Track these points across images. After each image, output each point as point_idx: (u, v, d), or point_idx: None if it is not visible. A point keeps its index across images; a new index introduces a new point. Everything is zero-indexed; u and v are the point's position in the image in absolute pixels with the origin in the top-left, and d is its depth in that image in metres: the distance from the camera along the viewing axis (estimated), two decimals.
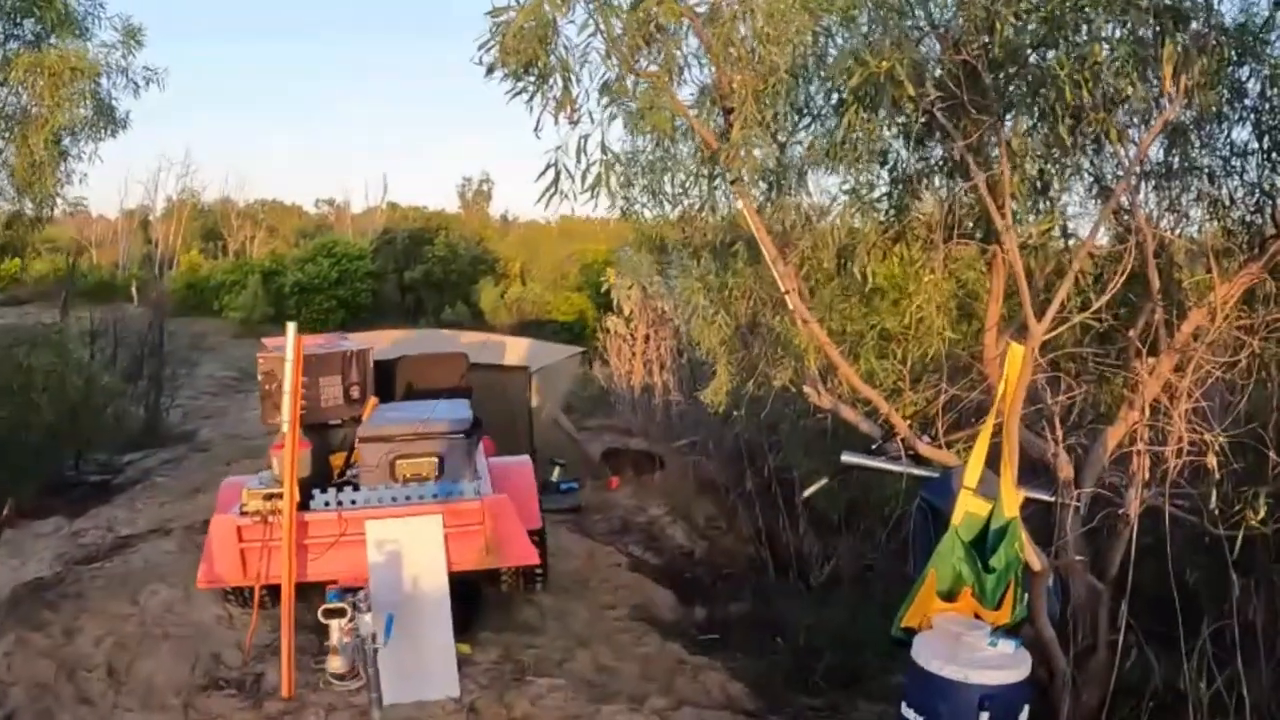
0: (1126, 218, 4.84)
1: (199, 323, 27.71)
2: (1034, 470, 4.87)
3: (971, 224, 4.61)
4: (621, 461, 10.43)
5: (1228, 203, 4.83)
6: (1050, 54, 3.69)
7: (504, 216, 42.51)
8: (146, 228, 39.35)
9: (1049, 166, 3.95)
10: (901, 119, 3.95)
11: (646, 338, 13.32)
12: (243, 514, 5.35)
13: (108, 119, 10.59)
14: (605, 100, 4.46)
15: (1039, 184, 4.28)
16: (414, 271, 31.04)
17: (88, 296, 27.97)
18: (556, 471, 9.41)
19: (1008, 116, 4.01)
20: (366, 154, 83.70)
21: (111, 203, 63.11)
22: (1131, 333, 4.65)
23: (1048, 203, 4.25)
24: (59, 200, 11.19)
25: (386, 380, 7.00)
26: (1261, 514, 3.98)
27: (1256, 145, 4.65)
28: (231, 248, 40.69)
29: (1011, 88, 3.89)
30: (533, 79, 4.46)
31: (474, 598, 6.33)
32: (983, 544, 3.99)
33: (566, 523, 8.64)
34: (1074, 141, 3.67)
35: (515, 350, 9.83)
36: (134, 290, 29.34)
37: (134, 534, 8.36)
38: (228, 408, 16.26)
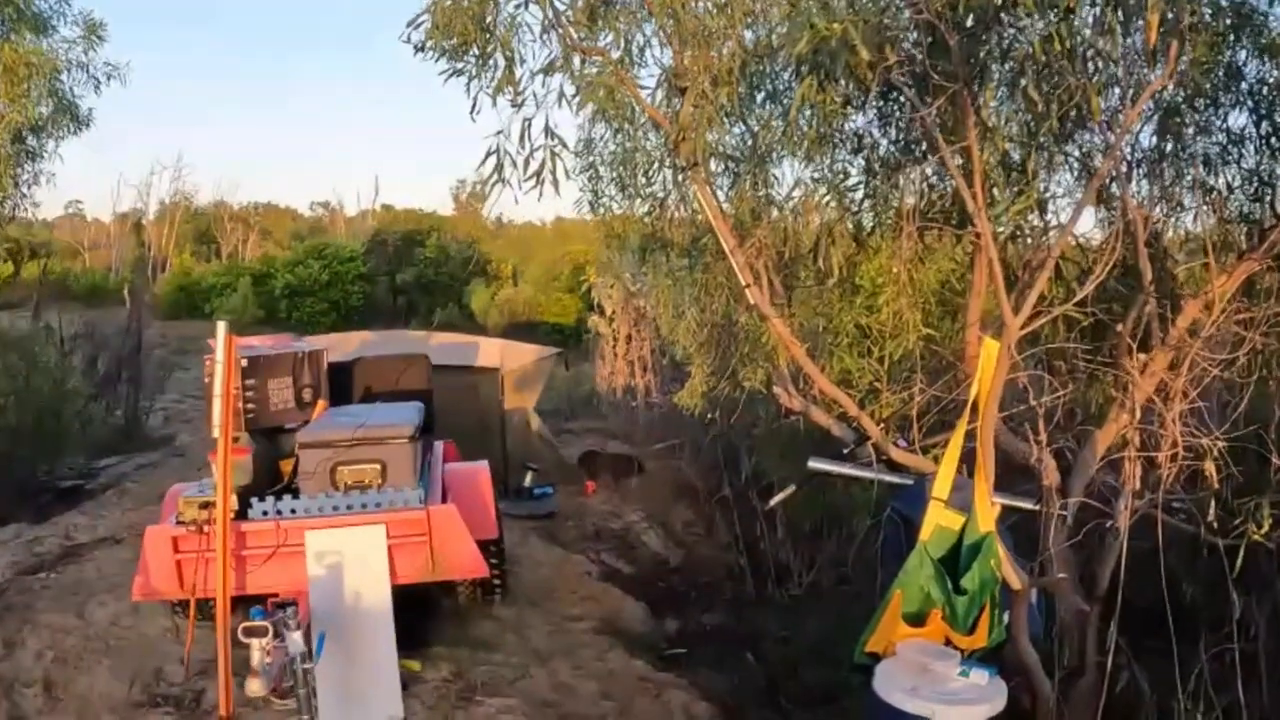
0: (1116, 206, 4.56)
1: (190, 325, 27.46)
2: (1026, 473, 4.55)
3: (946, 210, 4.29)
4: (598, 465, 10.15)
5: (1225, 191, 4.52)
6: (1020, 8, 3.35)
7: (498, 218, 42.37)
8: (140, 231, 39.26)
9: (1027, 142, 3.60)
10: (860, 93, 3.61)
11: (628, 338, 13.04)
12: (179, 523, 5.03)
13: (70, 116, 10.32)
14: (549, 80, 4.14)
15: (1017, 164, 3.95)
16: (405, 273, 30.91)
17: (79, 300, 27.85)
18: (530, 476, 9.12)
19: (979, 87, 3.67)
20: (362, 157, 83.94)
21: (106, 206, 63.15)
22: (1121, 327, 4.30)
23: (1026, 182, 3.90)
24: (25, 201, 10.95)
25: (343, 383, 6.67)
26: (1266, 526, 3.64)
27: (1254, 130, 4.36)
28: (224, 250, 40.59)
29: (981, 52, 3.56)
30: (472, 59, 4.16)
31: (427, 610, 6.00)
32: (954, 561, 3.65)
33: (538, 529, 8.36)
34: (1049, 109, 3.33)
35: (487, 351, 9.52)
36: (126, 293, 29.19)
37: (90, 542, 8.08)
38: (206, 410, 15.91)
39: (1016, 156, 4.09)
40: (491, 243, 36.40)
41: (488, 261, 32.98)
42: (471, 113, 4.10)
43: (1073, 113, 3.81)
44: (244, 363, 5.64)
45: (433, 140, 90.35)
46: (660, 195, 5.30)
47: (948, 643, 3.61)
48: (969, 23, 3.36)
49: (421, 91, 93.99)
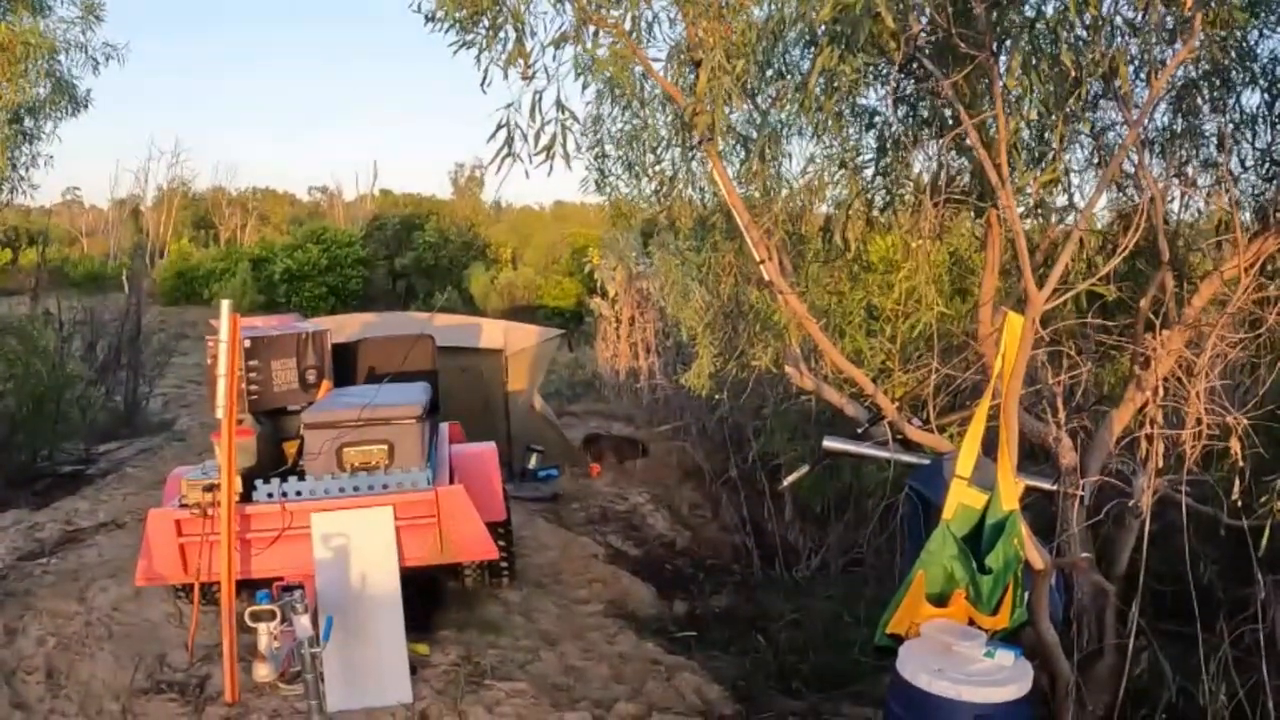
0: (1130, 186, 4.50)
1: (189, 311, 27.41)
2: (1033, 456, 4.49)
3: (966, 183, 4.22)
4: (603, 448, 10.06)
5: (1237, 170, 4.47)
6: None
7: (497, 202, 42.33)
8: (138, 217, 39.19)
9: (1051, 113, 3.52)
10: (886, 66, 3.52)
11: (631, 320, 12.96)
12: (182, 506, 4.96)
13: (68, 97, 10.24)
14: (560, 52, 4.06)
15: (1038, 135, 3.88)
16: (404, 258, 30.88)
17: (77, 287, 27.77)
18: (534, 459, 9.05)
19: (1002, 56, 3.58)
20: (360, 141, 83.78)
21: (104, 193, 63.17)
22: (1143, 304, 4.24)
23: (1050, 154, 3.82)
24: (23, 184, 10.86)
25: (347, 364, 6.60)
26: None
27: (1266, 110, 4.33)
28: (223, 236, 40.54)
29: (1006, 20, 3.47)
30: (482, 31, 4.07)
31: (434, 594, 5.94)
32: (978, 540, 3.58)
33: (543, 512, 8.28)
34: (1079, 77, 3.25)
35: (490, 333, 9.42)
36: (124, 279, 29.17)
37: (90, 527, 8.02)
38: (208, 394, 15.86)
39: (1028, 133, 4.02)
40: (490, 226, 36.35)
41: (486, 245, 32.94)
42: (482, 85, 4.03)
43: (1095, 86, 3.75)
44: (247, 343, 5.56)
45: (432, 124, 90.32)
46: (669, 174, 5.23)
47: (971, 623, 3.55)
48: None
49: (421, 76, 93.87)
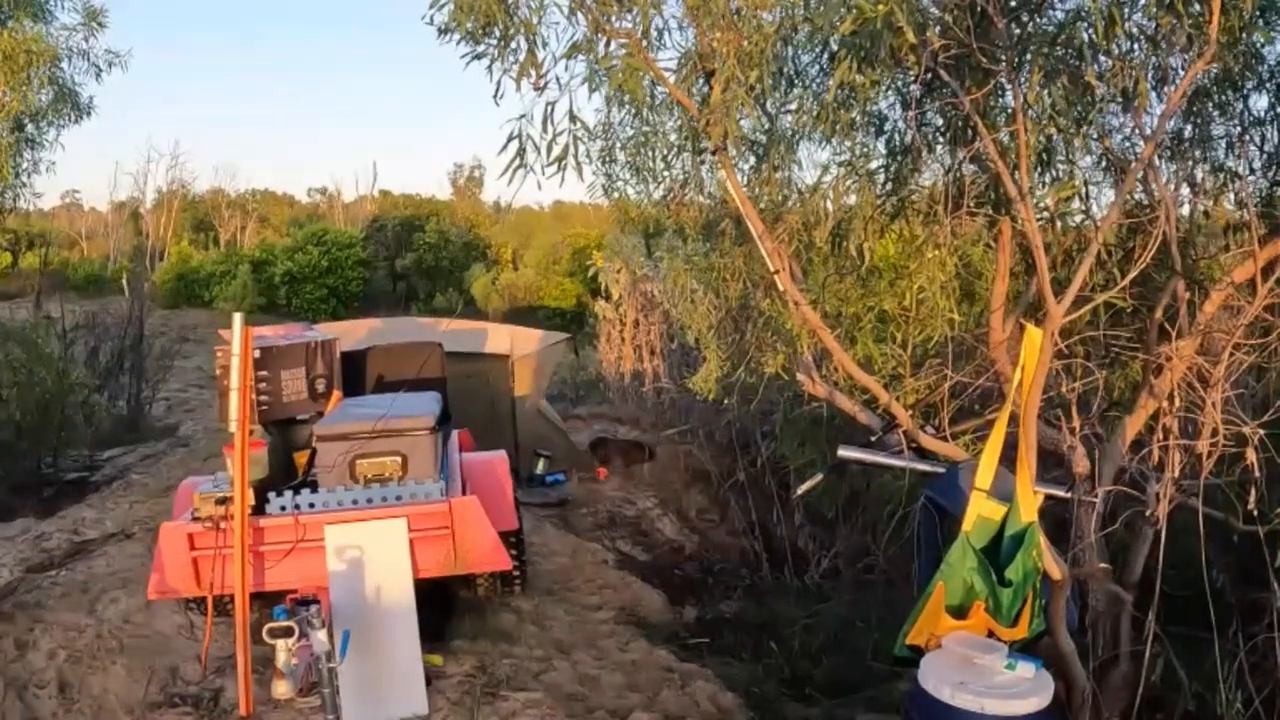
0: (1140, 191, 4.49)
1: (189, 314, 27.41)
2: (1045, 462, 4.48)
3: (979, 194, 4.20)
4: (610, 452, 10.06)
5: (1246, 174, 4.47)
6: None
7: (496, 203, 42.30)
8: (137, 219, 39.15)
9: (1068, 126, 3.51)
10: (900, 75, 3.51)
11: (636, 323, 12.94)
12: (194, 519, 4.96)
13: (70, 104, 10.25)
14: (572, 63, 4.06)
15: (1052, 148, 3.87)
16: (405, 259, 30.88)
17: (77, 290, 27.75)
18: (541, 464, 9.04)
19: (1022, 70, 3.57)
20: (360, 142, 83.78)
21: (103, 195, 63.14)
22: (1158, 314, 4.23)
23: (1068, 167, 3.81)
24: (25, 190, 10.86)
25: (356, 373, 6.59)
26: None
27: (1275, 114, 4.33)
28: (223, 238, 40.53)
29: (1029, 32, 3.46)
30: (494, 42, 4.07)
31: (447, 604, 5.93)
32: (996, 552, 3.58)
33: (551, 517, 8.27)
34: (1104, 94, 3.24)
35: (497, 337, 9.42)
36: (125, 283, 29.20)
37: (99, 538, 7.98)
38: (213, 400, 15.87)
39: (1055, 129, 4.01)
40: (490, 227, 36.35)
41: (487, 246, 32.96)
42: (495, 96, 4.03)
43: (1107, 90, 3.74)
44: (256, 354, 5.55)
45: (431, 125, 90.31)
46: (680, 179, 5.23)
47: (990, 635, 3.55)
48: (1014, 3, 3.26)
49: (420, 76, 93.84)
